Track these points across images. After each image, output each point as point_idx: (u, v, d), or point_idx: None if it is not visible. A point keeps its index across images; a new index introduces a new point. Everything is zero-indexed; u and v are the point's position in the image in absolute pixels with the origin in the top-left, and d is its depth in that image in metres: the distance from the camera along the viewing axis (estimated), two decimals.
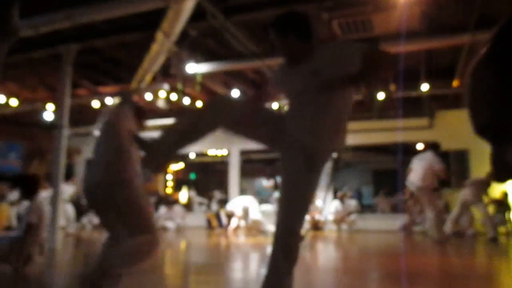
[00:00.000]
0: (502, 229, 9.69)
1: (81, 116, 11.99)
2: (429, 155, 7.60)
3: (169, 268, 5.08)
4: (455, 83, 9.69)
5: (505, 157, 1.51)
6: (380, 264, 5.16)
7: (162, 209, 12.37)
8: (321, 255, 6.79)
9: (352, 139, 12.39)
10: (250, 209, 10.15)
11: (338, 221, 11.35)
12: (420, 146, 12.64)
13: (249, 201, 10.34)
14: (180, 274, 4.58)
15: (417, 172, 7.39)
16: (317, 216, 11.27)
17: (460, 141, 10.90)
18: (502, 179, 1.52)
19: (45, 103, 10.40)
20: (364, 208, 13.93)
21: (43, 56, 8.12)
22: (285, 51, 2.38)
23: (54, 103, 9.89)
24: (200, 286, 3.83)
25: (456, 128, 11.00)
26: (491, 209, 9.73)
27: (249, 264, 5.42)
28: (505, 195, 9.77)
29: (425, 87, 9.63)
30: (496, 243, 7.48)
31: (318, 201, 11.60)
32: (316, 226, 11.10)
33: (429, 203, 7.31)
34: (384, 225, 11.25)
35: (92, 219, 12.22)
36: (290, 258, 2.18)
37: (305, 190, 2.28)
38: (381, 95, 10.01)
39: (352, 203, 11.72)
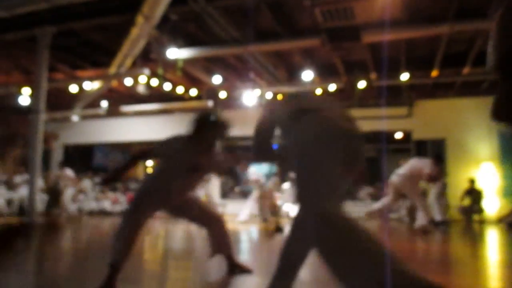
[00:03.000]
0: (476, 217, 9.96)
1: (58, 101, 11.75)
2: (427, 161, 7.38)
3: (148, 254, 5.07)
4: (434, 73, 9.84)
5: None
6: None
7: None
8: None
9: None
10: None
11: None
12: (398, 135, 12.83)
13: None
14: (158, 259, 4.57)
15: (405, 170, 7.24)
16: (278, 202, 11.40)
17: (437, 131, 11.10)
18: (502, 118, 1.44)
19: (20, 87, 10.15)
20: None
21: (18, 38, 7.88)
22: None
23: (30, 87, 9.66)
24: (178, 271, 3.84)
25: (434, 117, 11.20)
26: (466, 201, 9.97)
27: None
28: (472, 182, 9.99)
29: (405, 76, 9.74)
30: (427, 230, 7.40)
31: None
32: (273, 211, 11.25)
33: (415, 195, 7.27)
34: (362, 212, 11.41)
35: (67, 207, 12.07)
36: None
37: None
38: (361, 84, 10.09)
39: None
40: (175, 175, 3.02)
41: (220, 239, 3.42)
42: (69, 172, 11.24)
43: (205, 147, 3.10)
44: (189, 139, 3.07)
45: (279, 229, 7.60)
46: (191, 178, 3.13)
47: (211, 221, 3.40)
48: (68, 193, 11.13)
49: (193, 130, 3.09)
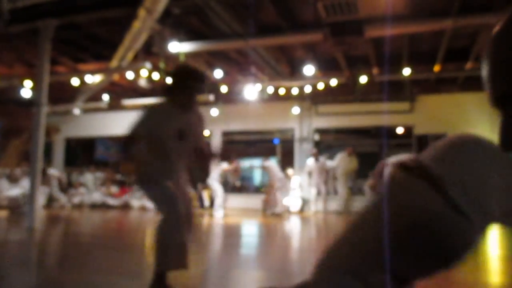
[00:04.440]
0: None
1: (60, 94, 11.74)
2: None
3: (149, 247, 5.09)
4: (437, 68, 9.80)
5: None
6: None
7: None
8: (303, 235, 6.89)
9: (333, 122, 12.57)
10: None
11: (316, 181, 11.28)
12: (400, 130, 12.82)
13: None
14: None
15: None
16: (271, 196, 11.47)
17: (439, 126, 11.09)
18: (508, 148, 1.50)
19: (22, 80, 10.14)
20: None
21: (21, 31, 7.87)
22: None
23: (32, 79, 9.65)
24: None
25: (436, 112, 11.18)
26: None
27: (228, 244, 5.47)
28: None
29: (407, 71, 9.72)
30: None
31: (291, 182, 11.72)
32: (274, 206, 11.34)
33: None
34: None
35: (71, 198, 12.12)
36: None
37: None
38: (363, 79, 10.07)
39: (328, 162, 11.55)
40: (169, 148, 2.83)
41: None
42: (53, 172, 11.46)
43: (186, 103, 2.87)
44: (167, 103, 2.90)
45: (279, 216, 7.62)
46: (183, 147, 2.91)
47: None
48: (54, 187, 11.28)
49: (169, 88, 2.91)
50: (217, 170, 10.27)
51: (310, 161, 11.36)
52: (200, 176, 10.77)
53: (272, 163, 10.98)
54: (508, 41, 1.68)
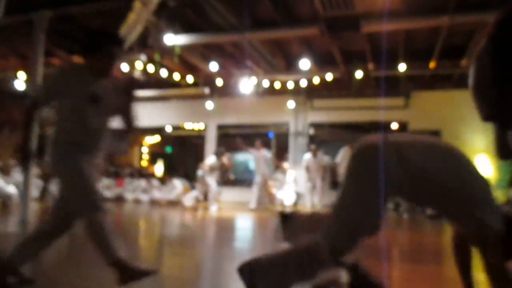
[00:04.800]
0: None
1: None
2: None
3: (144, 241, 5.09)
4: (432, 64, 9.83)
5: (505, 140, 1.77)
6: None
7: (137, 182, 12.34)
8: None
9: (328, 117, 12.59)
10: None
11: (313, 176, 11.28)
12: (394, 126, 12.86)
13: (210, 158, 10.23)
14: (154, 246, 4.60)
15: None
16: (273, 191, 11.52)
17: (433, 122, 11.13)
18: (503, 158, 1.86)
19: (16, 72, 10.06)
20: (338, 185, 14.17)
21: (15, 22, 7.79)
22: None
23: (26, 71, 9.57)
24: (174, 258, 3.86)
25: (430, 109, 11.22)
26: None
27: (223, 237, 5.48)
28: None
29: (402, 67, 9.73)
30: None
31: (287, 176, 11.75)
32: (268, 199, 11.40)
33: None
34: None
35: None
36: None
37: None
38: (359, 74, 10.07)
39: (325, 157, 11.54)
40: (82, 116, 2.48)
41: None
42: None
43: (102, 68, 2.54)
44: (80, 66, 2.60)
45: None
46: (99, 116, 2.56)
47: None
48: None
49: (85, 50, 2.62)
50: (209, 164, 10.21)
51: (307, 156, 11.34)
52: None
53: (261, 153, 10.64)
54: (485, 66, 1.80)
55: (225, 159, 10.43)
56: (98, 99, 2.50)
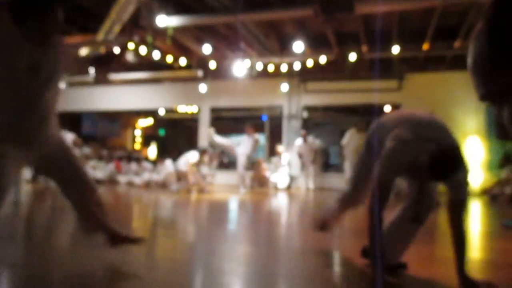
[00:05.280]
0: None
1: None
2: None
3: (136, 222, 5.11)
4: (425, 46, 9.81)
5: (501, 119, 1.86)
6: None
7: (131, 165, 12.33)
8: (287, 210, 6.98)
9: (322, 99, 12.58)
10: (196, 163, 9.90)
11: (306, 161, 11.32)
12: (388, 108, 12.88)
13: (193, 156, 9.96)
14: (147, 227, 4.62)
15: None
16: (267, 173, 11.58)
17: (426, 104, 11.15)
18: (498, 137, 2.12)
19: None
20: (331, 168, 14.24)
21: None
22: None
23: None
24: (167, 240, 3.89)
25: (423, 91, 11.24)
26: None
27: (215, 219, 5.52)
28: None
29: (396, 49, 9.70)
30: None
31: (280, 159, 11.78)
32: (261, 182, 11.49)
33: None
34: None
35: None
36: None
37: None
38: (352, 56, 10.03)
39: (316, 141, 11.54)
40: (16, 89, 2.04)
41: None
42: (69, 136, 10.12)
43: (40, 32, 2.06)
44: (13, 29, 2.01)
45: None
46: (39, 90, 2.10)
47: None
48: None
49: (16, 10, 2.03)
50: (192, 162, 9.78)
51: (299, 142, 11.35)
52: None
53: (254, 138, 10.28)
54: (483, 45, 1.87)
55: (206, 158, 10.25)
56: (39, 72, 2.06)
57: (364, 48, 10.15)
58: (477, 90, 1.98)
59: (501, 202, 8.60)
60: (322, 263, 3.01)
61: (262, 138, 13.68)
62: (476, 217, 6.47)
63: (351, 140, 10.62)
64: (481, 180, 10.53)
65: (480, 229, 5.13)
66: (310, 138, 11.42)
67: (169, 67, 11.66)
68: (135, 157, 12.99)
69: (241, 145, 10.09)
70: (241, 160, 9.97)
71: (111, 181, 12.02)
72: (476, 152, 10.69)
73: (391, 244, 2.49)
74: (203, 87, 12.38)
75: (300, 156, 11.37)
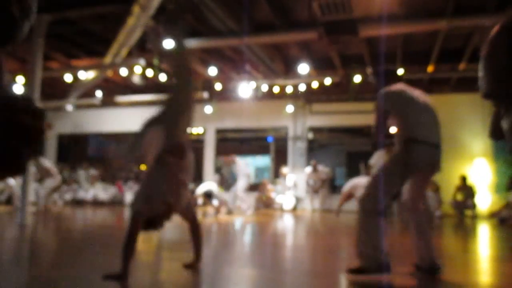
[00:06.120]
0: (469, 212, 10.05)
1: (53, 90, 11.66)
2: None
3: (142, 245, 5.08)
4: (430, 68, 9.85)
5: (499, 121, 1.87)
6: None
7: (135, 185, 12.33)
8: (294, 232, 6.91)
9: (327, 121, 12.61)
10: (214, 191, 9.82)
11: (313, 190, 11.47)
12: (393, 130, 12.86)
13: (210, 185, 9.95)
14: (152, 250, 4.59)
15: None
16: (272, 194, 11.59)
17: None
18: (494, 138, 1.89)
19: (14, 75, 10.05)
20: (337, 189, 14.17)
21: None
22: None
23: (24, 75, 9.56)
24: (172, 263, 3.85)
25: None
26: (459, 196, 10.05)
27: (221, 242, 5.47)
28: (464, 179, 10.09)
29: (400, 71, 9.72)
30: None
31: (286, 180, 11.76)
32: (267, 203, 11.49)
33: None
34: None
35: (63, 195, 12.05)
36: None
37: None
38: (357, 78, 10.08)
39: (325, 170, 11.80)
40: None
41: None
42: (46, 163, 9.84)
43: None
44: None
45: None
46: None
47: None
48: (47, 184, 10.27)
49: None
50: (199, 193, 9.80)
51: (308, 170, 11.58)
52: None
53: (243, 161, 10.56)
54: (497, 49, 1.89)
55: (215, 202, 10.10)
56: None
57: (369, 70, 10.20)
58: (484, 85, 1.95)
59: (509, 225, 8.48)
60: (329, 286, 2.96)
61: (267, 160, 13.70)
62: (484, 241, 6.37)
63: (379, 160, 10.62)
64: (489, 203, 10.42)
65: (489, 252, 5.05)
66: (320, 167, 11.61)
67: None
68: (140, 178, 13.01)
69: (239, 173, 10.17)
70: (243, 182, 10.01)
71: (115, 202, 12.01)
72: (483, 175, 10.61)
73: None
74: (208, 109, 12.45)
75: (308, 183, 11.59)
